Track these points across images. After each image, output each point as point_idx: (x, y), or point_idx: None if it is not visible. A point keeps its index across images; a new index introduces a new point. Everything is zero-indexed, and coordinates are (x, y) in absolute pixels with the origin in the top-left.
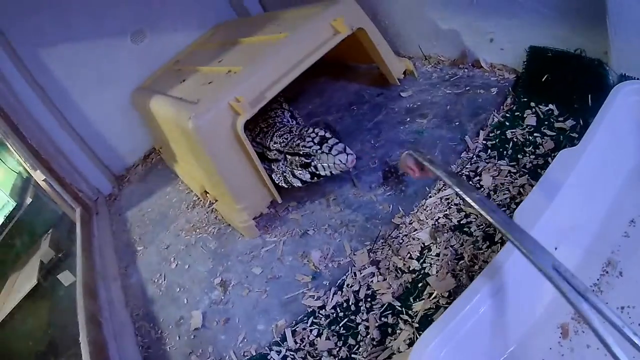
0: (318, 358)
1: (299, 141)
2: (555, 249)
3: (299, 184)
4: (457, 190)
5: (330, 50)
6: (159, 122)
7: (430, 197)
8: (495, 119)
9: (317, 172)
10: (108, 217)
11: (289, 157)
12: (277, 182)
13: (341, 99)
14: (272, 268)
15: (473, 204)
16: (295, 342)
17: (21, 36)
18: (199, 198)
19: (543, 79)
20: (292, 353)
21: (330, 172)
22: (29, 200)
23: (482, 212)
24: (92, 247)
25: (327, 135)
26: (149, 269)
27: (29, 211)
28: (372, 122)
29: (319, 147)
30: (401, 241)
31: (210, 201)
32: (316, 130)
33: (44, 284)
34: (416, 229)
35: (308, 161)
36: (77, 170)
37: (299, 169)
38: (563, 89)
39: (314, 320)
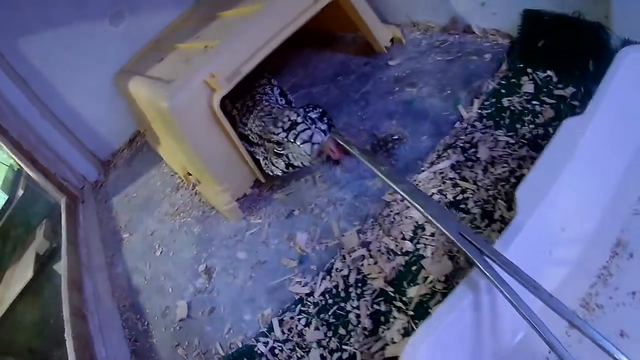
0: (307, 350)
1: (271, 126)
2: (562, 229)
3: (279, 173)
4: (369, 165)
5: (312, 19)
6: (139, 104)
7: (423, 171)
8: (490, 87)
9: (291, 162)
10: (94, 205)
11: (266, 143)
12: (264, 169)
13: (326, 70)
14: (257, 252)
15: (382, 176)
16: (283, 333)
17: None
18: (182, 180)
19: (539, 44)
20: (279, 344)
21: (301, 162)
22: (20, 192)
23: (391, 184)
24: (77, 239)
25: (299, 119)
26: (134, 257)
27: (22, 203)
28: (359, 93)
29: (286, 134)
30: (392, 220)
31: (193, 183)
32: (290, 112)
33: (40, 275)
34: (408, 207)
35: (279, 150)
36: (61, 159)
37: (275, 157)
38: (561, 54)
39: (302, 309)
